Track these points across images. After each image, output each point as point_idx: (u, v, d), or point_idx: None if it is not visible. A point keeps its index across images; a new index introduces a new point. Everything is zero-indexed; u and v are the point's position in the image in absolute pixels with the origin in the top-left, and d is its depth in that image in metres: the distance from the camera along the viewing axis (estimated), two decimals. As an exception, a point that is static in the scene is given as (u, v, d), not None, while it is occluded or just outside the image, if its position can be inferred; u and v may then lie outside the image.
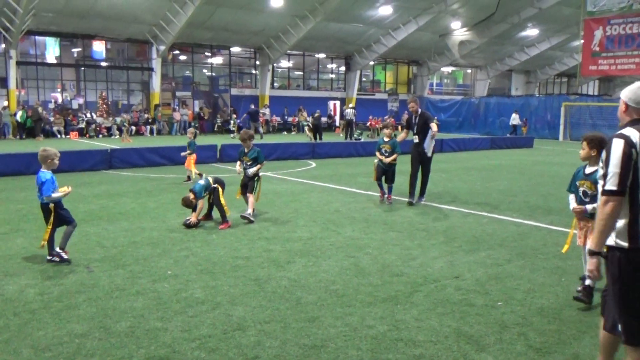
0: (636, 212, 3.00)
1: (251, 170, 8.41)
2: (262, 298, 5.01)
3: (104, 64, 32.88)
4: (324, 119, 39.13)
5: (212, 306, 4.79)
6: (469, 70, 49.84)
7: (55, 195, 5.95)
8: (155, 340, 4.11)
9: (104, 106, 31.84)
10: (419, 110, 9.94)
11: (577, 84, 40.58)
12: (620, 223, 3.02)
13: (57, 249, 6.00)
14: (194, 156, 12.53)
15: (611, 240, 3.05)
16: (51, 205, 5.99)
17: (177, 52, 35.59)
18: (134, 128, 30.26)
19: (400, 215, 8.91)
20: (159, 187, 11.70)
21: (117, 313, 4.62)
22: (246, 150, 8.57)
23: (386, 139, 9.98)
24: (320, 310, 4.72)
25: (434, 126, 9.74)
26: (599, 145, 4.86)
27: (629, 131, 3.07)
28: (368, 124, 34.97)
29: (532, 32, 40.14)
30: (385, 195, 10.02)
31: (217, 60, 37.74)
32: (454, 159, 19.12)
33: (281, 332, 4.27)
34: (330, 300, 4.98)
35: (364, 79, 44.28)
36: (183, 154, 12.70)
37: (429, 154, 9.95)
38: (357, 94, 41.21)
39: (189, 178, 12.45)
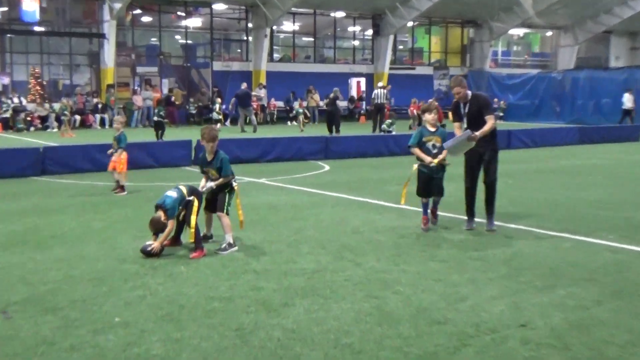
0: None
1: (209, 185, 8.32)
2: (245, 355, 5.01)
3: (37, 28, 33.30)
4: (343, 104, 39.35)
5: (175, 367, 4.80)
6: (549, 33, 49.79)
7: None
8: (93, 416, 4.12)
9: (38, 88, 32.24)
10: (469, 94, 9.20)
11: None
12: None
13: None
14: (124, 155, 12.61)
15: None
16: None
17: (138, 11, 36.01)
18: (78, 118, 30.64)
19: (446, 239, 8.88)
20: (110, 200, 11.80)
21: (42, 377, 4.65)
22: (209, 158, 8.40)
23: (431, 129, 9.23)
24: (327, 373, 4.71)
25: (489, 121, 8.95)
26: None
27: None
28: (409, 110, 34.79)
29: (638, -23, 40.04)
30: (429, 218, 9.35)
31: (195, 22, 38.11)
32: (526, 158, 19.04)
33: (270, 404, 4.26)
34: (342, 358, 4.96)
35: (400, 47, 44.47)
36: (110, 151, 12.74)
37: (452, 155, 9.20)
38: (391, 68, 41.37)
39: (122, 188, 12.57)
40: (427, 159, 8.91)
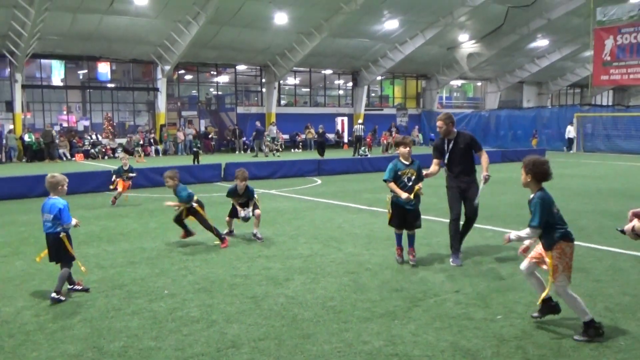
0: None
1: (246, 213, 8.27)
2: (258, 316, 5.05)
3: (109, 85, 33.39)
4: (331, 136, 39.40)
5: (207, 324, 4.84)
6: (479, 83, 49.97)
7: (73, 221, 5.71)
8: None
9: (110, 128, 32.27)
10: (454, 131, 7.11)
11: (589, 95, 40.48)
12: None
13: (57, 292, 5.51)
14: (121, 182, 12.43)
15: None
16: (63, 235, 5.64)
17: (182, 71, 36.07)
18: (139, 149, 30.65)
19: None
20: (161, 207, 11.80)
21: (112, 333, 4.69)
22: (241, 192, 8.32)
23: (406, 162, 6.85)
24: (316, 327, 4.75)
25: (484, 154, 7.18)
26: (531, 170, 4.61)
27: None
28: (381, 139, 34.81)
29: (542, 42, 40.28)
30: (407, 250, 6.98)
31: (223, 79, 38.19)
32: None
33: (275, 349, 4.31)
34: (326, 316, 5.01)
35: (372, 94, 44.55)
36: (121, 180, 12.47)
37: (475, 201, 7.01)
38: (365, 110, 41.42)
39: (115, 200, 12.25)
40: (404, 195, 6.61)
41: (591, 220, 9.75)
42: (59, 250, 5.70)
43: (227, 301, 5.47)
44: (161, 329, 4.75)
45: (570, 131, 31.93)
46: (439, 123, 7.14)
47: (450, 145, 7.11)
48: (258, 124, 31.02)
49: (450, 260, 6.90)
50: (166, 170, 16.62)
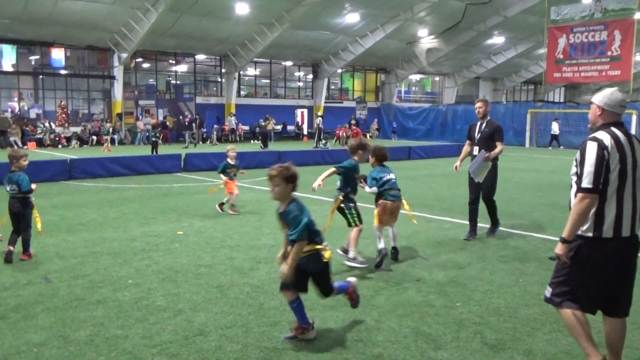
0: (601, 207, 3.47)
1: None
2: (224, 304, 5.11)
3: (63, 72, 32.44)
4: (291, 127, 39.46)
5: (174, 313, 4.87)
6: (437, 78, 50.81)
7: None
8: (115, 348, 4.17)
9: (64, 116, 31.40)
10: (488, 116, 7.78)
11: (542, 91, 41.72)
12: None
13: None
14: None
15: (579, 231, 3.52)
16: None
17: (140, 59, 35.37)
18: (94, 138, 29.97)
19: (367, 222, 9.07)
20: (121, 197, 11.67)
21: (77, 322, 4.67)
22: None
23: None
24: (282, 315, 4.84)
25: (499, 146, 7.64)
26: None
27: (601, 134, 3.53)
28: (336, 132, 35.23)
29: (498, 40, 41.23)
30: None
31: (182, 68, 37.64)
32: (422, 166, 19.49)
33: (243, 337, 4.38)
34: (292, 304, 5.10)
35: (332, 87, 44.72)
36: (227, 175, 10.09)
37: (476, 179, 7.78)
38: (325, 102, 41.59)
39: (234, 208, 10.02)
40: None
41: (544, 213, 10.15)
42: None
43: (192, 290, 5.50)
44: (127, 318, 4.76)
45: (556, 127, 31.74)
46: (478, 104, 7.80)
47: (483, 127, 7.75)
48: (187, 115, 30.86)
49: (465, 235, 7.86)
50: (126, 159, 16.45)
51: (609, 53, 29.00)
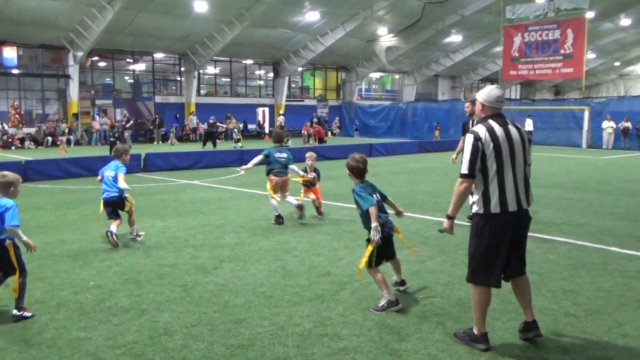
0: (487, 188, 4.02)
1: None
2: (188, 303, 5.10)
3: (15, 71, 31.47)
4: (252, 126, 39.26)
5: (138, 314, 4.84)
6: (397, 76, 51.34)
7: (21, 233, 4.82)
8: (79, 350, 4.13)
9: (17, 116, 30.48)
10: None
11: (499, 89, 42.54)
12: (477, 197, 4.10)
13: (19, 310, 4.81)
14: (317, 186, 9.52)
15: (474, 209, 4.15)
16: (8, 243, 4.80)
17: (96, 58, 34.62)
18: (50, 139, 29.20)
19: (328, 220, 9.17)
20: (79, 199, 11.44)
21: (38, 326, 4.59)
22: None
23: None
24: (247, 312, 4.87)
25: None
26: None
27: (479, 127, 4.06)
28: (303, 131, 35.00)
29: (456, 38, 41.95)
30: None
31: (140, 66, 37.01)
32: (382, 163, 19.70)
33: (208, 335, 4.39)
34: (257, 302, 5.14)
35: (293, 86, 44.70)
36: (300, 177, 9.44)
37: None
38: (287, 101, 41.55)
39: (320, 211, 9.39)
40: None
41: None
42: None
43: (156, 290, 5.47)
44: (90, 320, 4.70)
45: (529, 124, 31.62)
46: (467, 104, 8.45)
47: (475, 123, 7.63)
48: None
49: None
50: (83, 160, 16.14)
51: (562, 51, 29.86)
